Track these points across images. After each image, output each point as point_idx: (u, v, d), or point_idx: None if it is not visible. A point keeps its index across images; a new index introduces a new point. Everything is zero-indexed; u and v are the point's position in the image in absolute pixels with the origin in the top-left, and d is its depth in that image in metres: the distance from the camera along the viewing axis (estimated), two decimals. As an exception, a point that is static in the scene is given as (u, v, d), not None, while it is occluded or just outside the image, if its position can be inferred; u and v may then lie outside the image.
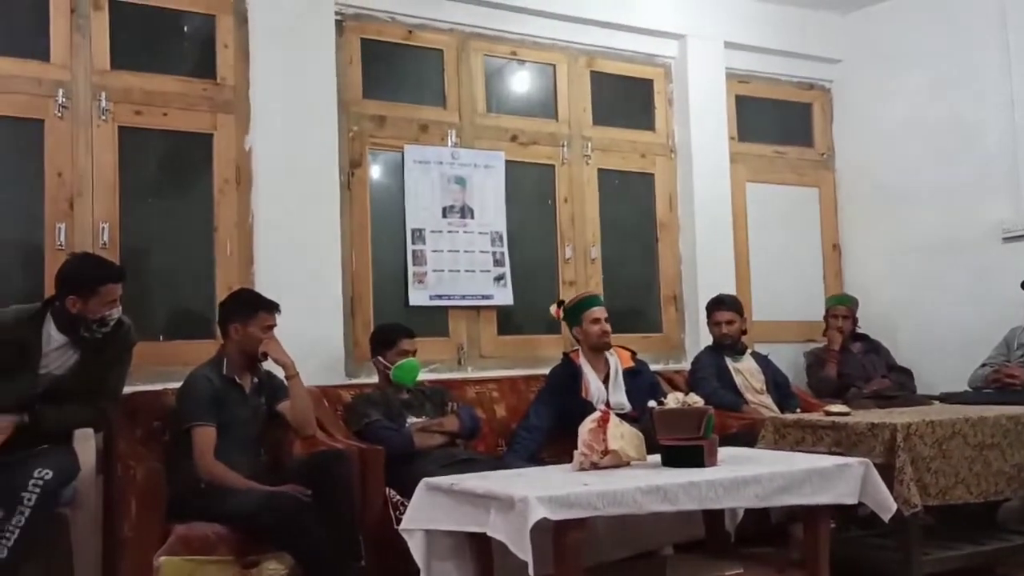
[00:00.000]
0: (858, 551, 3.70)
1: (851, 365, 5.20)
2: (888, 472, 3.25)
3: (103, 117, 3.96)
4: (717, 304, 4.92)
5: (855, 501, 3.04)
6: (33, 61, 3.87)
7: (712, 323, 4.90)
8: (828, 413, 3.79)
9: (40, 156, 3.85)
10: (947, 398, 4.71)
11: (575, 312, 4.41)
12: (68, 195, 3.87)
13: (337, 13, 4.50)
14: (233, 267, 4.17)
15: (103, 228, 3.91)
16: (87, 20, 3.97)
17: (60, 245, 3.80)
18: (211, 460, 3.31)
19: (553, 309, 4.54)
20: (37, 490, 2.94)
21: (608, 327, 4.36)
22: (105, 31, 4.00)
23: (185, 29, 4.28)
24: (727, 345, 4.84)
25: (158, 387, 3.73)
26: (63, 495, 3.12)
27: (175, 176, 4.24)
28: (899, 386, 5.09)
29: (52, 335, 3.22)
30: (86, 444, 3.34)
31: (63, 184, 3.87)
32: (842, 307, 5.37)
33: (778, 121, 5.96)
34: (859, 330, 5.39)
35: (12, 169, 3.87)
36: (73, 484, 3.20)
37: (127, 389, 3.52)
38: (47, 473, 2.99)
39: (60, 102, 3.88)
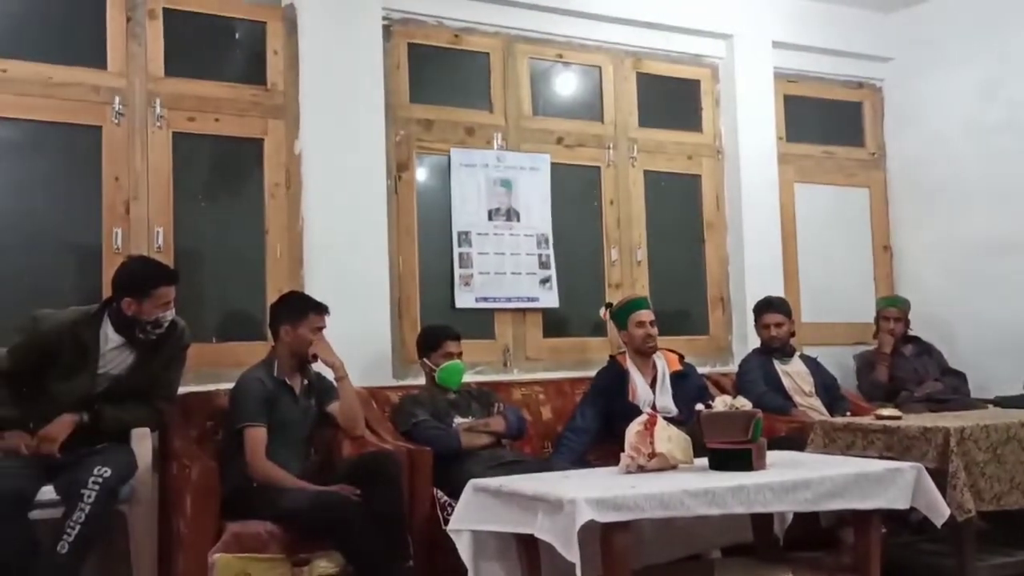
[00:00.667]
0: (910, 557, 3.65)
1: (903, 368, 5.13)
2: (941, 477, 3.20)
3: (158, 123, 4.05)
4: (766, 306, 4.88)
5: (907, 506, 3.00)
6: (91, 69, 3.97)
7: (760, 326, 4.86)
8: (879, 417, 3.74)
9: (98, 161, 3.95)
10: (1002, 402, 4.63)
11: (622, 314, 4.40)
12: (124, 199, 3.97)
13: (384, 18, 4.54)
14: (283, 270, 4.24)
15: (158, 232, 3.99)
16: (142, 29, 4.06)
17: (117, 248, 3.89)
18: (263, 460, 3.37)
19: (602, 311, 4.54)
20: (96, 487, 3.02)
21: (653, 331, 4.32)
22: (160, 39, 4.09)
23: (236, 36, 4.36)
24: (775, 348, 4.80)
25: (211, 388, 3.82)
26: (121, 492, 3.19)
27: (227, 180, 4.32)
28: (952, 389, 5.00)
29: (109, 336, 3.31)
30: (143, 443, 3.41)
31: (119, 189, 3.96)
32: (893, 309, 5.29)
33: (827, 121, 5.89)
34: (911, 332, 5.31)
35: (71, 174, 3.96)
36: (130, 482, 3.27)
37: (182, 389, 3.61)
38: (106, 471, 3.06)
39: (117, 109, 3.97)
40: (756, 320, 4.90)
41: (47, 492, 3.10)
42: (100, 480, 3.03)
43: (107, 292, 3.48)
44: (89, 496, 3.00)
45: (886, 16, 5.83)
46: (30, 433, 3.21)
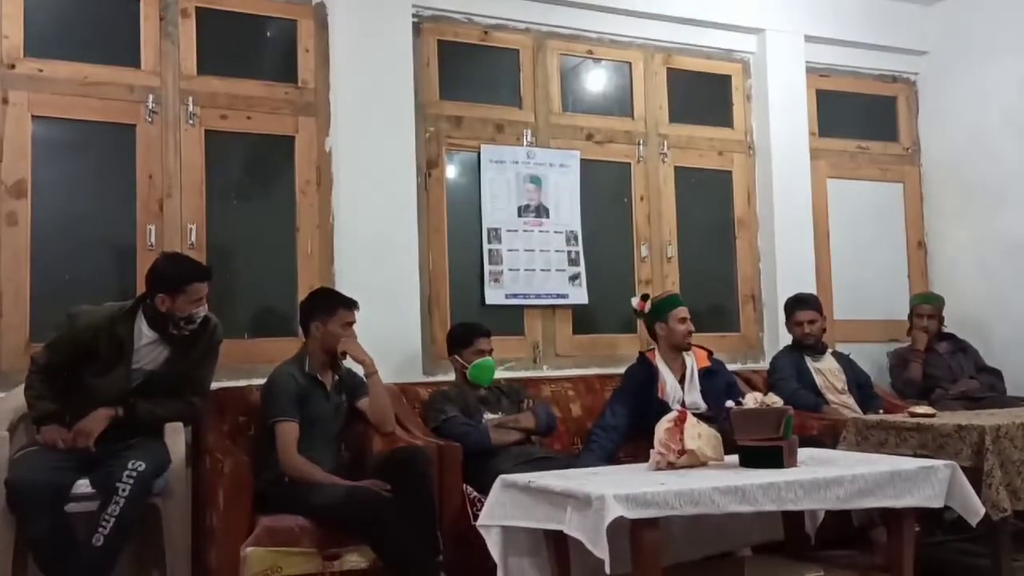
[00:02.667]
0: (944, 556, 3.62)
1: (937, 365, 5.06)
2: (976, 475, 3.16)
3: (191, 121, 4.09)
4: (798, 303, 4.83)
5: (940, 505, 2.96)
6: (125, 68, 4.02)
7: (793, 323, 4.81)
8: (913, 414, 3.70)
9: (132, 159, 4.00)
10: (1039, 400, 4.56)
11: (661, 309, 4.36)
12: (158, 197, 4.01)
13: (414, 15, 4.55)
14: (314, 266, 4.27)
15: (191, 229, 4.04)
16: (175, 28, 4.10)
17: (150, 245, 3.94)
18: (294, 455, 3.40)
19: (636, 302, 4.46)
20: (131, 481, 3.07)
21: (692, 328, 4.33)
22: (192, 38, 4.14)
23: (268, 34, 4.39)
24: (808, 345, 4.76)
25: (243, 383, 3.86)
26: (155, 486, 3.24)
27: (259, 178, 4.35)
28: (988, 387, 4.94)
29: (143, 332, 3.35)
30: (176, 437, 3.45)
31: (153, 186, 4.01)
32: (927, 306, 5.23)
33: (860, 115, 5.82)
34: (945, 329, 5.25)
35: (106, 172, 4.02)
36: (164, 476, 3.32)
37: (214, 385, 3.65)
38: (140, 465, 3.12)
39: (150, 107, 4.02)
40: (788, 317, 4.86)
41: (83, 485, 3.15)
42: (134, 474, 3.08)
43: (141, 288, 3.52)
44: (124, 489, 3.05)
45: (921, 9, 5.76)
46: (66, 427, 3.26)
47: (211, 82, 4.16)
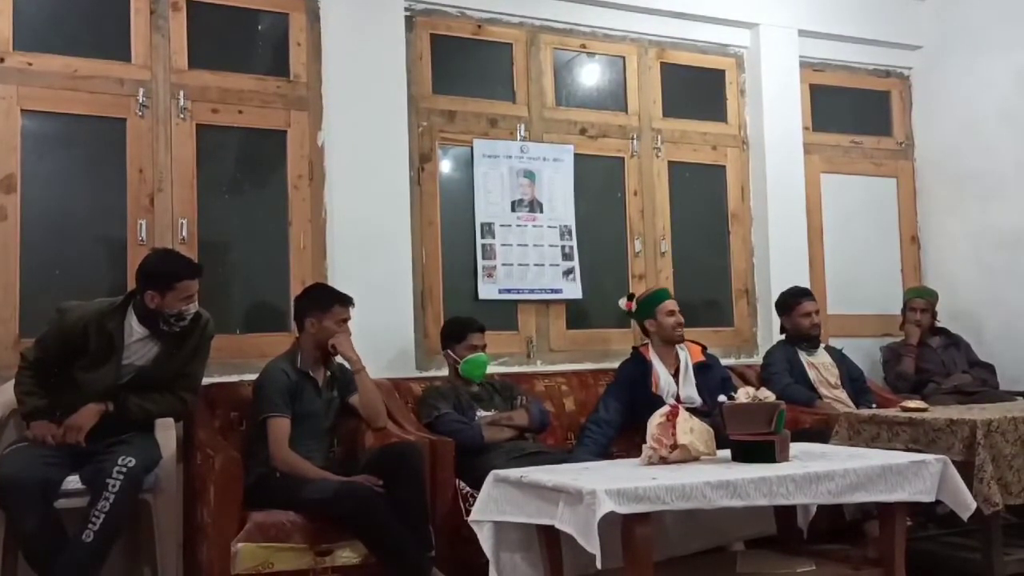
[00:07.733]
0: (936, 550, 3.61)
1: (930, 360, 5.07)
2: (967, 470, 3.17)
3: (182, 115, 4.07)
4: (802, 294, 4.80)
5: (932, 499, 2.97)
6: (115, 62, 3.99)
7: (798, 314, 4.74)
8: (905, 409, 3.70)
9: (122, 154, 3.97)
10: (1031, 394, 4.57)
11: (648, 305, 4.37)
12: (149, 191, 3.99)
13: (407, 9, 4.53)
14: (307, 261, 4.25)
15: (182, 223, 4.02)
16: (166, 21, 4.08)
17: (141, 240, 3.92)
18: (286, 450, 3.39)
19: (623, 302, 4.48)
20: (121, 477, 3.05)
21: (682, 319, 4.32)
22: (183, 31, 4.11)
23: (259, 28, 4.37)
24: (806, 339, 4.74)
25: (235, 379, 3.86)
26: (146, 482, 3.22)
27: (251, 172, 4.34)
28: (980, 382, 4.95)
29: (134, 327, 3.33)
30: (167, 433, 3.44)
31: (144, 181, 3.99)
32: (921, 300, 5.23)
33: (854, 110, 5.82)
34: (938, 324, 5.25)
35: (97, 167, 3.99)
36: (155, 471, 3.31)
37: (206, 380, 3.63)
38: (131, 460, 3.10)
39: (141, 101, 4.00)
40: (791, 309, 4.78)
41: (73, 481, 3.14)
42: (125, 470, 3.07)
43: (132, 283, 3.50)
44: (114, 485, 3.03)
45: (915, 4, 5.75)
46: (56, 423, 3.24)
47: (202, 76, 4.13)
